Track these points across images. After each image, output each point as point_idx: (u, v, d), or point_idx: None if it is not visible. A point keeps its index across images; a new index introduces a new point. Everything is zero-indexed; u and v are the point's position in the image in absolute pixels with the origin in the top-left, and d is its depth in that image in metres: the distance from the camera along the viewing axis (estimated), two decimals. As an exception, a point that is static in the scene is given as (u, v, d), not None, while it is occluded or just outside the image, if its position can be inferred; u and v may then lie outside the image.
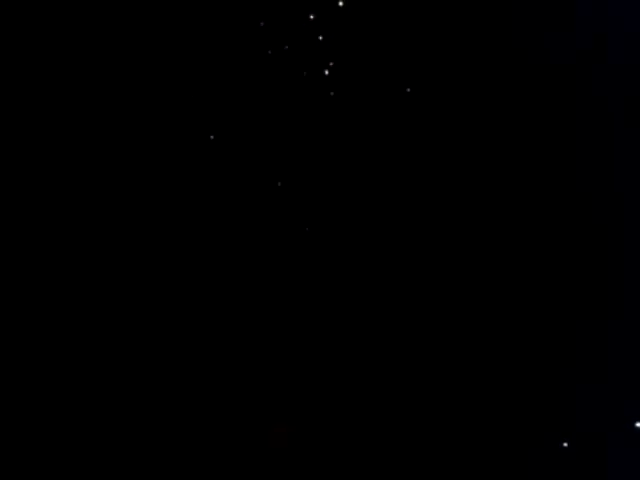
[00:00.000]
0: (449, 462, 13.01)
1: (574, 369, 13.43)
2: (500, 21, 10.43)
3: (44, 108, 8.01)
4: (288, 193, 10.21)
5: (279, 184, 9.78)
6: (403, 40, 9.65)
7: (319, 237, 11.31)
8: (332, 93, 9.85)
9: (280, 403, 11.22)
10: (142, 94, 8.36)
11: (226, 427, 10.16)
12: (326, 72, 9.32)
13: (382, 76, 10.23)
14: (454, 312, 14.11)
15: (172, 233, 8.73)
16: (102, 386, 8.07)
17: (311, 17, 8.58)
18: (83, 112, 8.02)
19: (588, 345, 13.41)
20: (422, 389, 12.45)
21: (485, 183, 12.27)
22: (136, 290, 8.21)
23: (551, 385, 13.66)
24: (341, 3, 8.49)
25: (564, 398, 13.65)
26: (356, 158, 11.06)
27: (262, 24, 8.46)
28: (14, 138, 7.78)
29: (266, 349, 10.50)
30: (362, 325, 11.69)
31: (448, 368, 14.04)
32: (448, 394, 13.75)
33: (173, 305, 8.95)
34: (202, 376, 9.59)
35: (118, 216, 8.59)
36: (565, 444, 13.66)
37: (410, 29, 9.52)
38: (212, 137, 8.55)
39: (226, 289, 9.82)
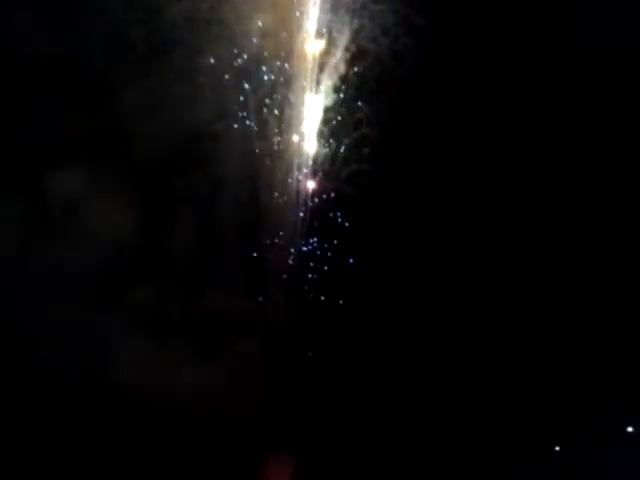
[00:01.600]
0: (445, 466, 13.78)
1: (567, 377, 14.44)
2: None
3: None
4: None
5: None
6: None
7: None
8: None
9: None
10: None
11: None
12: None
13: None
14: (453, 313, 15.09)
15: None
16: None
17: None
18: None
19: (581, 353, 14.44)
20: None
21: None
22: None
23: (544, 392, 14.74)
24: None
25: (556, 404, 14.73)
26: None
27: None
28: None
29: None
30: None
31: (444, 374, 14.78)
32: (444, 404, 14.42)
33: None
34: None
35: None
36: (557, 448, 14.70)
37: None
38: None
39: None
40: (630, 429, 15.55)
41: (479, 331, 17.29)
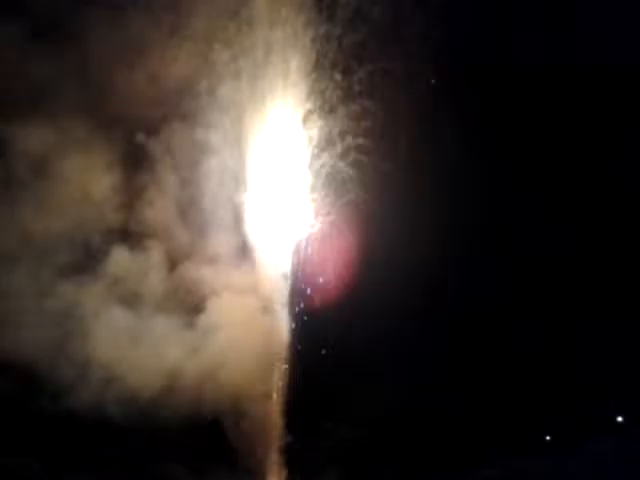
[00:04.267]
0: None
1: (559, 369, 14.91)
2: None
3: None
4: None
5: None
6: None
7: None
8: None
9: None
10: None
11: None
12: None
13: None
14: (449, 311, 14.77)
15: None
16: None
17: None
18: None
19: (573, 345, 14.81)
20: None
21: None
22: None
23: (537, 383, 15.17)
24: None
25: (549, 395, 15.25)
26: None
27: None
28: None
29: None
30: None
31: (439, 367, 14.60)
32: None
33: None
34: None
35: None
36: (548, 437, 15.36)
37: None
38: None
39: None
40: (620, 419, 16.09)
41: (475, 328, 17.25)
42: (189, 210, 17.83)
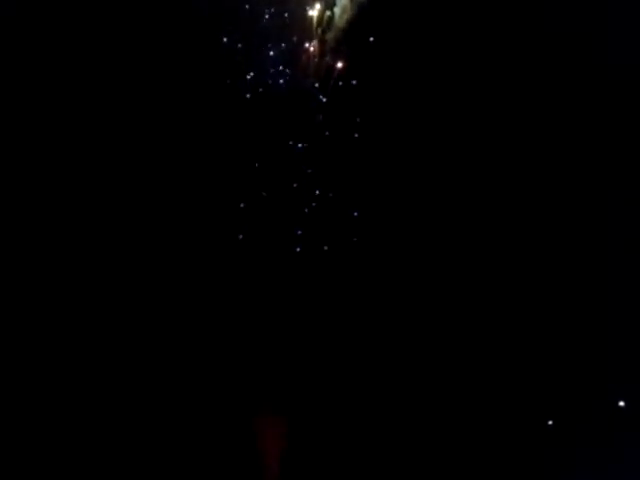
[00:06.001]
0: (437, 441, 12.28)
1: (562, 357, 13.17)
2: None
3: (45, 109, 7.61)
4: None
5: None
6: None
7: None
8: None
9: (274, 405, 10.90)
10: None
11: (221, 428, 9.89)
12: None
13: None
14: (451, 311, 13.52)
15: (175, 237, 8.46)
16: (100, 386, 7.96)
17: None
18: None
19: (574, 335, 13.13)
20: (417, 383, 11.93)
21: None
22: (137, 292, 8.01)
23: (541, 369, 13.39)
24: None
25: (554, 382, 13.41)
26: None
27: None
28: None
29: (262, 351, 10.19)
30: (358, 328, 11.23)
31: (438, 358, 13.47)
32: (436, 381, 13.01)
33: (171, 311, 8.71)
34: (198, 378, 9.32)
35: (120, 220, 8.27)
36: (550, 422, 13.48)
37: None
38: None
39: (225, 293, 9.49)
40: (622, 403, 15.10)
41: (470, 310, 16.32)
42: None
